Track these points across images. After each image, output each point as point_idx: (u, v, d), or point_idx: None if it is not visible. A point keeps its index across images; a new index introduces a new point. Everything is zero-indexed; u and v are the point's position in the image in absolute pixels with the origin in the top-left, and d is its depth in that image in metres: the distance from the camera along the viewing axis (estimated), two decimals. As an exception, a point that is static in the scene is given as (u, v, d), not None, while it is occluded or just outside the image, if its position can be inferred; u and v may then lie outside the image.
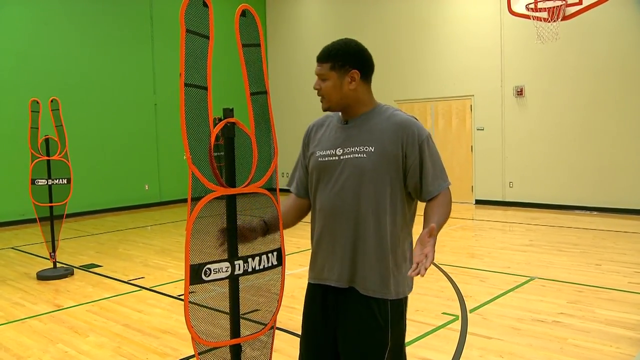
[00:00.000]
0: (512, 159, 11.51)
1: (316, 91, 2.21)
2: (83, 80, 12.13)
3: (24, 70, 11.32)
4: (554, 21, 7.77)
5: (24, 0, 11.36)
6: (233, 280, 2.16)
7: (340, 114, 2.27)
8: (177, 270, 6.90)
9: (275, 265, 2.24)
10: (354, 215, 2.15)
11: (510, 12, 8.38)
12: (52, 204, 6.82)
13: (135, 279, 6.54)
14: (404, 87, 13.04)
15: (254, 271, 2.16)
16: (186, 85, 1.98)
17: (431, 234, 1.94)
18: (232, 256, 2.14)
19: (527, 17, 8.19)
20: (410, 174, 2.15)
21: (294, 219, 2.51)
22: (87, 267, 7.24)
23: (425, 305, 5.21)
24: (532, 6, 7.91)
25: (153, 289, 6.08)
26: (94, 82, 12.37)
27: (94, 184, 12.09)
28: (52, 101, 6.86)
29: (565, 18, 7.83)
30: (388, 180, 2.13)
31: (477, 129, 11.95)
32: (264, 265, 2.19)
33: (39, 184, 6.71)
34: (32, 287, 6.34)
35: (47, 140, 6.73)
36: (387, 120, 2.16)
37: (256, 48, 2.23)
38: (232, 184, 2.13)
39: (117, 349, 4.37)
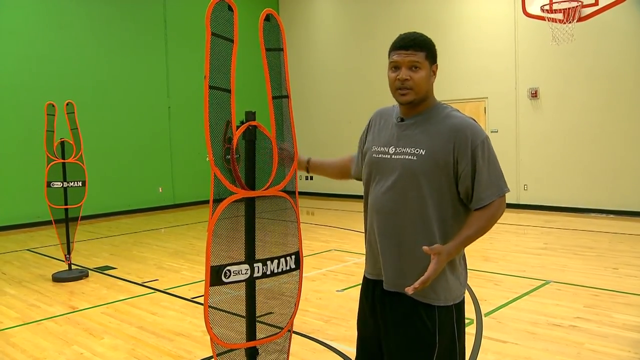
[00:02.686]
0: (527, 162, 11.43)
1: (400, 81, 2.05)
2: (97, 83, 12.23)
3: (39, 74, 11.43)
4: (570, 22, 7.71)
5: (40, 5, 11.49)
6: (250, 283, 2.15)
7: (398, 108, 2.18)
8: (191, 273, 6.92)
9: (293, 268, 2.24)
10: (401, 218, 2.07)
11: (525, 14, 8.33)
12: (67, 207, 6.87)
13: (150, 281, 6.57)
14: (417, 89, 13.02)
15: (272, 274, 2.16)
16: (211, 87, 1.97)
17: (434, 252, 1.90)
18: (251, 258, 2.13)
19: (541, 18, 8.13)
20: (462, 180, 2.04)
21: (335, 173, 2.55)
22: (102, 269, 7.28)
23: (440, 308, 5.17)
24: (547, 7, 7.85)
25: (167, 291, 6.10)
26: (108, 85, 12.46)
27: (108, 187, 12.17)
28: (67, 104, 6.91)
29: (580, 19, 7.77)
30: (437, 185, 2.03)
31: (491, 131, 11.87)
32: (282, 269, 2.19)
33: (55, 186, 6.76)
34: (47, 289, 6.38)
35: (62, 143, 6.79)
36: (442, 121, 2.08)
37: (279, 52, 2.23)
38: (252, 187, 2.12)
39: (132, 351, 4.38)
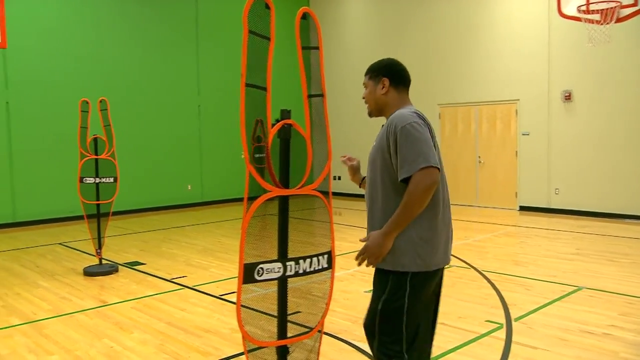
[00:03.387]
0: (559, 165, 11.23)
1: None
2: (129, 81, 12.40)
3: (73, 72, 11.64)
4: (607, 23, 7.54)
5: (74, 4, 11.69)
6: (283, 282, 2.14)
7: None
8: (219, 270, 6.96)
9: (326, 268, 2.22)
10: (367, 198, 2.60)
11: (561, 15, 8.17)
12: (99, 202, 6.97)
13: (178, 277, 6.63)
14: (448, 90, 12.89)
15: (305, 273, 2.15)
16: (247, 85, 1.97)
17: (364, 240, 2.50)
18: (284, 257, 2.12)
19: (577, 19, 7.96)
20: (393, 158, 2.45)
21: None
22: (132, 265, 7.37)
23: (469, 312, 5.11)
24: (583, 8, 7.70)
25: (195, 288, 6.14)
26: (140, 83, 12.63)
27: (137, 183, 12.33)
28: (100, 101, 7.02)
29: (618, 20, 7.59)
30: (380, 168, 2.50)
31: (522, 134, 11.71)
32: (314, 268, 2.17)
33: (87, 182, 6.87)
34: (78, 283, 6.49)
35: (95, 140, 6.89)
36: (389, 119, 2.57)
37: (315, 51, 2.22)
38: (286, 185, 2.11)
39: (161, 346, 4.42)
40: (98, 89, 11.11)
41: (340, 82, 15.07)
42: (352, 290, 5.93)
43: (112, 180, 6.99)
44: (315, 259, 2.17)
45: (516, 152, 11.84)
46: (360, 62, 14.75)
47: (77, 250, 8.52)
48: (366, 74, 2.75)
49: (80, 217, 11.42)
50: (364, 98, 2.76)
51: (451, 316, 5.00)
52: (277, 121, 2.13)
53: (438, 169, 2.37)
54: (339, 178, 15.33)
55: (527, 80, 11.53)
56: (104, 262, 7.22)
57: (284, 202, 2.10)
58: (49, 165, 11.33)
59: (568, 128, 11.06)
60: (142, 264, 7.44)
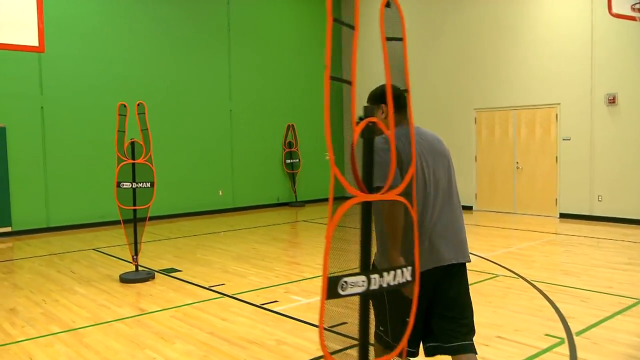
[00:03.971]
0: (601, 171, 10.84)
1: None
2: (162, 85, 12.35)
3: (108, 77, 11.63)
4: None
5: (108, 7, 11.70)
6: (365, 297, 1.92)
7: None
8: (258, 278, 6.78)
9: (409, 281, 2.01)
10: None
11: (611, 14, 7.83)
12: (136, 207, 6.85)
13: (216, 285, 6.46)
14: (485, 94, 12.58)
15: (388, 287, 1.93)
16: (332, 78, 1.76)
17: None
18: (367, 269, 1.90)
19: (632, 18, 7.62)
20: None
21: None
22: (168, 272, 7.23)
23: (525, 324, 4.83)
24: (638, 6, 7.36)
25: (235, 296, 5.96)
26: (172, 87, 12.58)
27: (169, 189, 12.24)
28: (138, 105, 6.91)
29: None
30: None
31: (563, 139, 11.34)
32: (398, 281, 1.95)
33: (124, 186, 6.75)
34: (115, 290, 6.36)
35: (132, 144, 6.78)
36: None
37: (399, 42, 2.00)
38: (370, 190, 1.90)
39: (205, 357, 4.24)
40: (131, 94, 11.05)
41: (375, 84, 14.82)
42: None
43: (149, 185, 6.86)
44: (399, 271, 1.95)
45: (556, 157, 11.48)
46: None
47: (112, 256, 8.42)
48: (367, 101, 3.03)
49: (112, 223, 11.39)
50: None
51: (507, 329, 4.74)
52: (361, 119, 1.91)
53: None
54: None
55: (568, 83, 11.18)
56: (140, 269, 7.08)
57: (367, 208, 1.88)
58: (82, 170, 11.32)
59: (612, 132, 10.67)
60: (178, 270, 7.30)
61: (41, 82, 10.90)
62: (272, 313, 5.33)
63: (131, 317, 5.31)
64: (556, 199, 11.53)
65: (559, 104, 11.38)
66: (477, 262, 7.39)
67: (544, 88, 11.56)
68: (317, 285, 6.31)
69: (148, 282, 6.68)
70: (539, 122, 11.74)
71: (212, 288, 6.33)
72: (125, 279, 6.70)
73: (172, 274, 7.09)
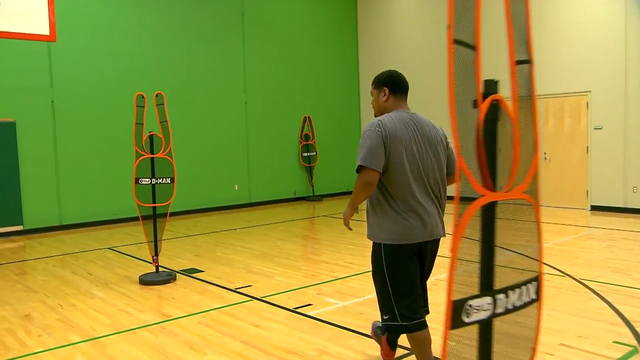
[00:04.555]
0: (636, 161, 10.36)
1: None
2: (175, 78, 11.93)
3: (120, 69, 11.24)
4: None
5: (122, 1, 11.31)
6: (488, 324, 1.50)
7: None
8: (285, 279, 6.37)
9: (534, 299, 1.59)
10: None
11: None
12: (156, 204, 6.45)
13: (243, 287, 6.05)
14: (508, 83, 12.08)
15: (514, 308, 1.51)
16: (455, 42, 1.34)
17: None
18: (490, 288, 1.48)
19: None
20: None
21: None
22: (189, 272, 6.84)
23: (588, 330, 4.40)
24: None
25: (265, 299, 5.56)
26: (184, 80, 12.17)
27: (184, 184, 11.81)
28: (157, 95, 6.49)
29: None
30: None
31: (595, 128, 10.85)
32: (523, 301, 1.54)
33: (143, 182, 6.35)
34: (135, 293, 5.97)
35: (151, 137, 6.36)
36: None
37: (520, 1, 1.58)
38: (494, 187, 1.47)
39: (241, 371, 3.84)
40: (143, 87, 10.62)
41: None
42: (440, 302, 5.26)
43: (169, 181, 6.46)
44: (524, 288, 1.54)
45: (587, 147, 11.00)
46: (412, 55, 14.04)
47: (128, 255, 8.04)
48: (372, 84, 3.40)
49: (126, 220, 11.03)
50: (371, 104, 3.43)
51: (569, 335, 4.31)
52: (486, 96, 1.48)
53: (374, 170, 3.02)
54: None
55: (600, 70, 10.68)
56: (159, 269, 6.69)
57: (490, 210, 1.46)
58: (94, 166, 10.94)
59: (647, 121, 10.18)
60: (200, 271, 6.90)
61: (51, 75, 10.51)
62: (307, 318, 4.92)
63: (155, 323, 4.92)
64: (587, 191, 11.06)
65: (589, 91, 10.88)
66: (515, 259, 6.95)
67: (573, 75, 11.06)
68: (351, 287, 5.90)
69: (169, 284, 6.28)
70: (568, 110, 11.25)
71: (239, 290, 5.93)
72: (145, 281, 6.32)
73: (194, 275, 6.69)
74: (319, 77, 14.59)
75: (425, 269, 3.27)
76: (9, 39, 9.61)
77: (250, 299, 5.59)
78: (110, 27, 11.18)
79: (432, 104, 13.58)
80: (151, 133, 6.36)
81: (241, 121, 13.13)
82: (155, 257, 6.48)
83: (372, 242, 3.22)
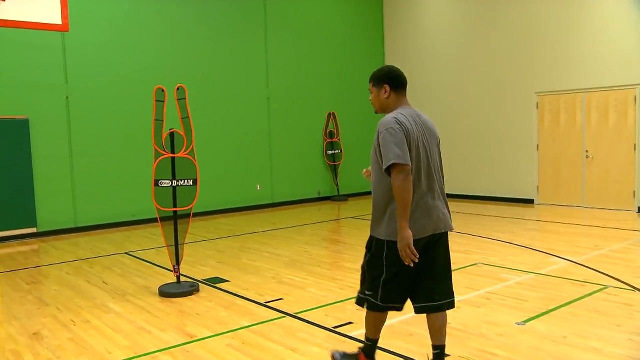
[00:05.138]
0: (690, 160, 9.61)
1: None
2: (194, 73, 11.38)
3: (139, 64, 10.72)
4: None
5: (137, -12, 10.78)
6: None
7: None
8: (319, 291, 5.78)
9: None
10: (372, 186, 3.40)
11: None
12: (177, 209, 5.88)
13: (273, 300, 5.46)
14: (549, 76, 11.38)
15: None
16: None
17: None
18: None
19: None
20: (379, 158, 3.21)
21: None
22: (213, 282, 6.27)
23: (685, 361, 3.75)
24: None
25: (299, 316, 4.96)
26: (205, 75, 11.63)
27: (204, 183, 11.14)
28: (178, 89, 5.92)
29: None
30: (377, 162, 3.26)
31: (643, 124, 10.12)
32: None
33: (163, 185, 5.78)
34: (155, 307, 5.41)
35: (172, 135, 5.80)
36: None
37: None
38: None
39: (281, 410, 3.25)
40: (163, 82, 10.03)
41: (421, 70, 13.72)
42: (499, 322, 4.64)
43: (191, 183, 5.89)
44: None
45: (635, 145, 10.26)
46: (441, 51, 13.37)
47: (147, 262, 7.51)
48: (370, 81, 3.40)
49: (144, 222, 10.52)
50: (371, 101, 3.41)
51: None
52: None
53: (406, 164, 3.00)
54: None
55: (650, 61, 9.93)
56: (181, 278, 6.12)
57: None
58: (111, 165, 10.45)
59: (703, 116, 9.43)
60: (225, 280, 6.33)
61: (66, 70, 10.02)
62: (350, 340, 4.31)
63: (178, 345, 4.35)
64: (634, 192, 10.33)
65: (638, 84, 10.14)
66: (571, 269, 6.30)
67: (620, 68, 10.32)
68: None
69: (192, 297, 5.72)
70: (614, 105, 10.51)
71: (269, 304, 5.34)
72: (166, 293, 5.76)
73: (219, 285, 6.12)
74: (344, 71, 13.97)
75: (440, 262, 3.31)
76: (21, 31, 9.15)
77: (283, 315, 5.00)
78: (128, 19, 10.66)
79: (459, 100, 12.92)
80: (172, 130, 5.80)
81: (263, 117, 12.55)
82: (176, 267, 5.92)
83: (375, 238, 3.31)
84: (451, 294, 3.35)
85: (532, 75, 11.60)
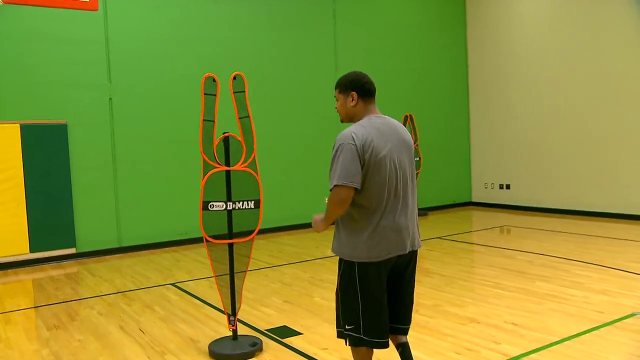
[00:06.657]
0: None
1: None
2: (255, 70, 9.91)
3: (189, 59, 9.39)
4: None
5: (189, -26, 9.44)
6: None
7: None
8: (426, 351, 4.12)
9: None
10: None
11: None
12: (233, 241, 4.36)
13: (367, 374, 3.85)
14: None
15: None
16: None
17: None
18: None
19: None
20: None
21: None
22: (280, 335, 4.72)
23: None
24: None
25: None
26: (266, 71, 10.21)
27: (264, 196, 9.81)
28: (234, 78, 4.41)
29: None
30: None
31: None
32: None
33: (215, 208, 4.26)
34: (203, 378, 3.90)
35: (226, 140, 4.28)
36: None
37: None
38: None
39: None
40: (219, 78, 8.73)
41: (513, 65, 11.89)
42: None
43: (252, 205, 4.36)
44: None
45: None
46: (527, 53, 11.49)
47: (197, 298, 6.05)
48: (336, 87, 3.12)
49: (196, 241, 9.14)
50: (336, 108, 3.13)
51: None
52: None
53: (349, 186, 2.78)
54: (508, 187, 12.15)
55: None
56: (238, 332, 4.60)
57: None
58: (160, 175, 9.15)
59: None
60: (296, 333, 4.78)
61: (109, 68, 8.77)
62: None
63: None
64: None
65: None
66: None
67: None
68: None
69: (252, 359, 4.19)
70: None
71: (363, 382, 3.73)
72: (218, 355, 4.24)
73: (288, 340, 4.57)
74: (422, 70, 12.29)
75: (405, 282, 3.06)
76: (58, 24, 7.98)
77: (386, 406, 3.38)
78: (179, 10, 9.35)
79: (562, 100, 10.99)
80: (226, 134, 4.29)
81: (332, 120, 10.97)
82: (232, 318, 4.40)
83: (339, 258, 3.03)
84: (410, 320, 3.15)
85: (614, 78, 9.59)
